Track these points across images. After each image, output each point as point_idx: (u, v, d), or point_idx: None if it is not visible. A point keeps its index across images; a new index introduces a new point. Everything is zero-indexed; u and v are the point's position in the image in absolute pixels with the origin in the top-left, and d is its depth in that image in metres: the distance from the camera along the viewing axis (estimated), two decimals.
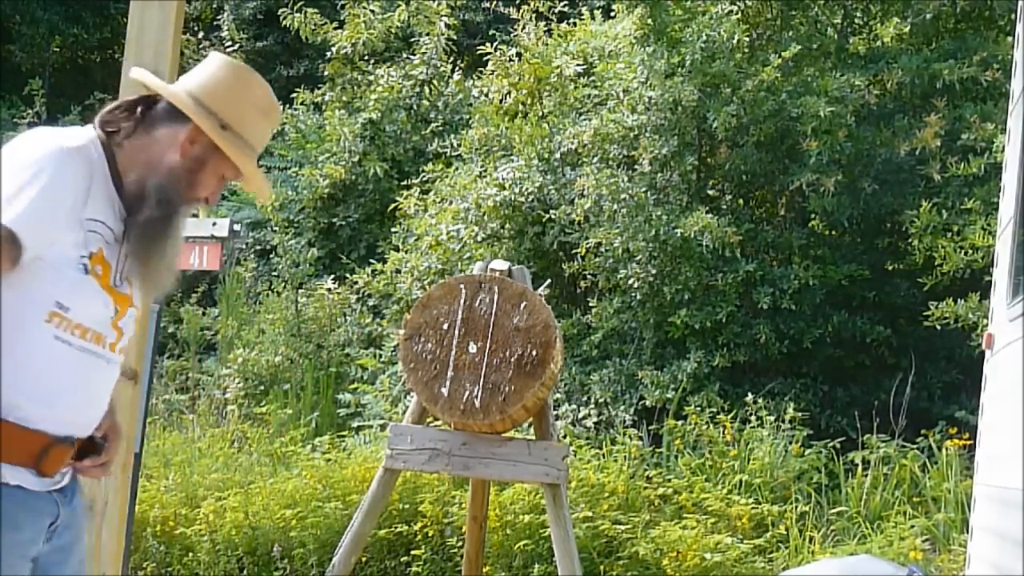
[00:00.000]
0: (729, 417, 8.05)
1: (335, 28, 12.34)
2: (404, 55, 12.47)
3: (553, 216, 9.39)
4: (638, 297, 8.99)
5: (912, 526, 7.12)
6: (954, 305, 7.90)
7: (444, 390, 5.31)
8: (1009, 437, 4.44)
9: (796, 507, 7.40)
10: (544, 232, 9.66)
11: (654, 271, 8.85)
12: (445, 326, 5.36)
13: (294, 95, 12.79)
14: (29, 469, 2.66)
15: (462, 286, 5.42)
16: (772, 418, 7.91)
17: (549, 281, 7.56)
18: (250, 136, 2.90)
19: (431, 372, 5.35)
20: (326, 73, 12.59)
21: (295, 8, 12.31)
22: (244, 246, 12.27)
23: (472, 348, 5.33)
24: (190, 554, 7.38)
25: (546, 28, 10.86)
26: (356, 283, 10.60)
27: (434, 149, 11.42)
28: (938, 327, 8.09)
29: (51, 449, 2.68)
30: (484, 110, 10.80)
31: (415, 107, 12.06)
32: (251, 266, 11.76)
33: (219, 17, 15.29)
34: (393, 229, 10.79)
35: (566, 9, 11.32)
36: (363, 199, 11.75)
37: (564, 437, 7.74)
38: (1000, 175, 5.55)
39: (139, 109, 2.86)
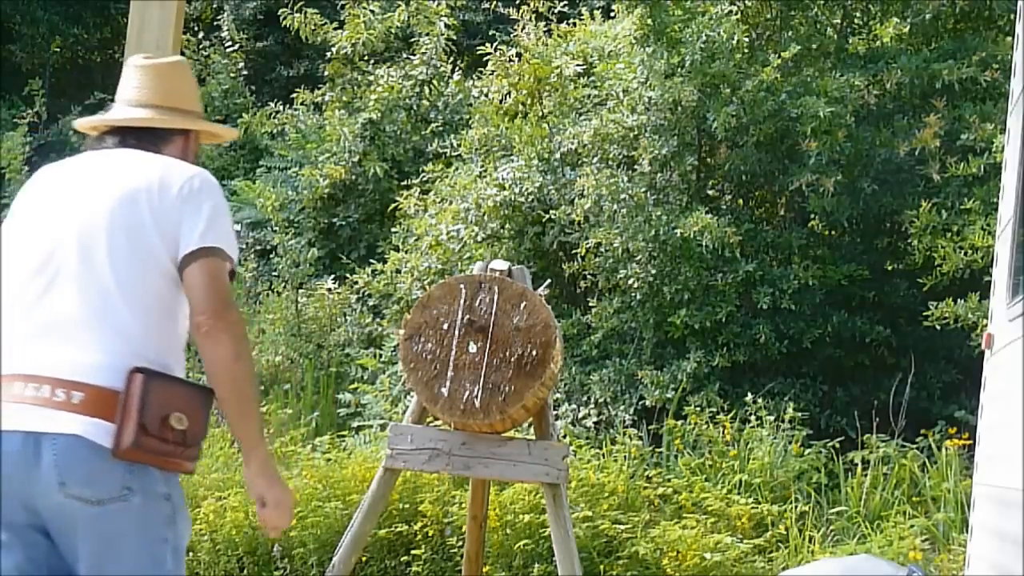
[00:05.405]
0: (729, 417, 8.06)
1: (335, 28, 12.34)
2: (404, 55, 12.46)
3: (553, 216, 9.39)
4: (638, 297, 8.99)
5: (912, 526, 7.13)
6: (954, 305, 7.90)
7: (444, 390, 5.31)
8: (1009, 437, 4.44)
9: (796, 507, 7.40)
10: (544, 232, 9.66)
11: (654, 271, 8.85)
12: (445, 326, 5.37)
13: (294, 95, 12.79)
14: None
15: (462, 286, 5.42)
16: (772, 418, 7.92)
17: (549, 281, 7.55)
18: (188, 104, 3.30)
19: (431, 372, 5.35)
20: (326, 73, 12.59)
21: (295, 8, 12.31)
22: (244, 246, 12.27)
23: (472, 348, 5.33)
24: (190, 554, 7.38)
25: (546, 28, 10.85)
26: (356, 283, 10.60)
27: (434, 149, 11.42)
28: (938, 327, 8.09)
29: None
30: (484, 110, 10.80)
31: (415, 107, 12.05)
32: (251, 266, 11.76)
33: (219, 17, 15.28)
34: (393, 229, 10.79)
35: (566, 9, 11.30)
36: (363, 199, 11.74)
37: (564, 437, 7.75)
38: (1000, 175, 5.56)
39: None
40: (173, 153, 3.18)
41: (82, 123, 3.28)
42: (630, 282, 8.90)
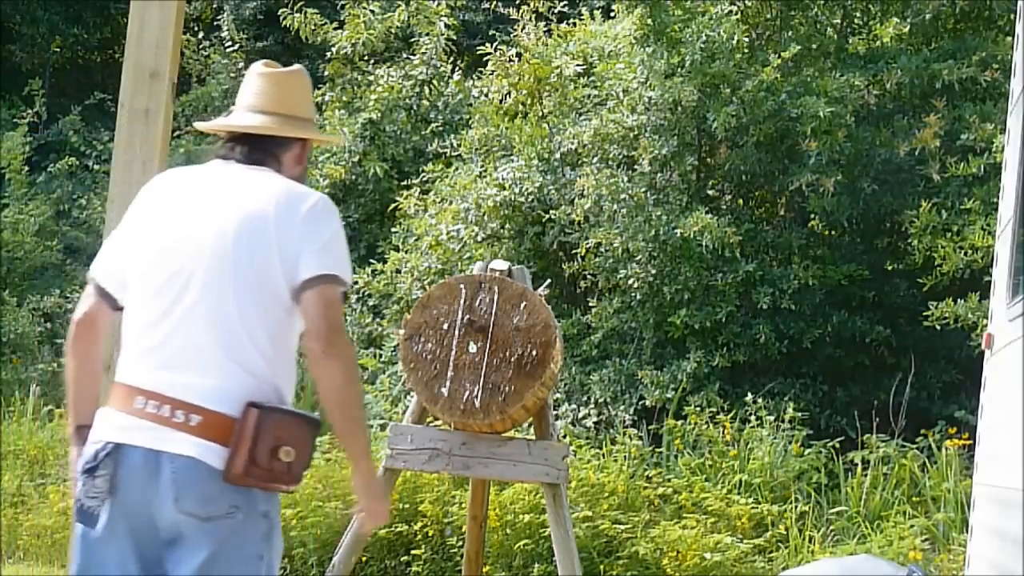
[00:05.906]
0: (729, 417, 8.06)
1: (335, 28, 12.34)
2: (404, 55, 12.46)
3: (553, 216, 9.40)
4: (638, 297, 8.99)
5: (912, 526, 7.13)
6: (954, 305, 7.91)
7: (444, 390, 5.31)
8: (1009, 437, 4.44)
9: (796, 507, 7.40)
10: (544, 232, 9.66)
11: (654, 271, 8.85)
12: (445, 326, 5.37)
13: None
14: None
15: (462, 286, 5.42)
16: (772, 418, 7.92)
17: (549, 281, 7.55)
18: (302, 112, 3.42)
19: (431, 372, 5.35)
20: (326, 73, 12.58)
21: (295, 8, 12.31)
22: None
23: (472, 348, 5.33)
24: None
25: (546, 28, 10.85)
26: (356, 283, 10.60)
27: (434, 149, 11.41)
28: (938, 327, 8.10)
29: None
30: (484, 110, 10.80)
31: (415, 107, 12.05)
32: None
33: (219, 17, 15.27)
34: (393, 229, 10.79)
35: (566, 9, 11.30)
36: (363, 199, 11.74)
37: (564, 437, 7.75)
38: (1000, 175, 5.56)
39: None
40: (290, 159, 3.34)
41: (204, 126, 3.44)
42: (630, 282, 8.90)
